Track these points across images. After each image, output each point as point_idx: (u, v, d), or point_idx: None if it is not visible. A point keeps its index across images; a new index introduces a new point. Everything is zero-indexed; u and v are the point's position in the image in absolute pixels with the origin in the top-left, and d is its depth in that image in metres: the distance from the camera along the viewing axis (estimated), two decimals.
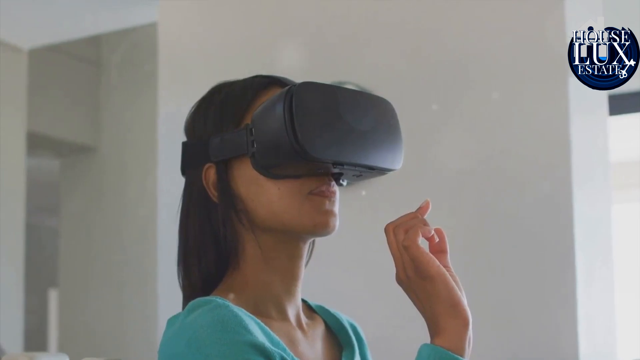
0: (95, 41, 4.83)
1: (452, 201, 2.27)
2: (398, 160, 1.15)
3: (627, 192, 4.89)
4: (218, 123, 1.15)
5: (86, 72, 4.92)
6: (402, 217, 1.08)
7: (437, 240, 1.08)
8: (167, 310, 2.57)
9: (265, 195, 1.11)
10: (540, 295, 2.14)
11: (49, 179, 5.60)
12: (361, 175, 1.15)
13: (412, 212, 1.08)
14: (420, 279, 1.03)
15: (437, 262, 1.04)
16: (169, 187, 2.63)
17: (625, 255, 4.16)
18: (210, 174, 1.15)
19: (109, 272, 4.73)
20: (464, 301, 1.03)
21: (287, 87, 1.08)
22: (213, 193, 1.15)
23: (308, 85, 1.09)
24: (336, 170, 1.11)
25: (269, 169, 1.10)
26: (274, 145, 1.07)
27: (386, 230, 1.08)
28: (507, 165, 2.22)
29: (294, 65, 2.46)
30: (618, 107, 2.92)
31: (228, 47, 2.63)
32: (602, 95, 2.46)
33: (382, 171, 1.15)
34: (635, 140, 4.60)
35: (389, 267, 2.29)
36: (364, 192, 2.29)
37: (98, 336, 4.66)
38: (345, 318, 1.28)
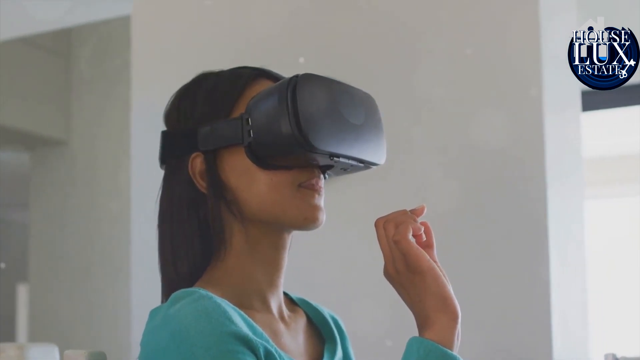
0: (65, 34, 4.79)
1: (426, 196, 2.27)
2: (383, 155, 1.18)
3: (598, 189, 4.93)
4: (207, 112, 1.14)
5: (56, 65, 4.88)
6: (392, 212, 1.09)
7: (424, 238, 1.09)
8: (140, 305, 2.55)
9: (256, 186, 1.11)
10: (514, 289, 2.15)
11: (18, 173, 5.55)
12: (347, 169, 1.17)
13: (403, 209, 1.09)
14: (410, 273, 1.04)
15: (428, 257, 1.05)
16: (143, 179, 2.61)
17: (597, 252, 4.20)
18: (196, 163, 1.14)
19: (80, 267, 4.70)
20: (453, 295, 1.05)
21: (288, 78, 1.10)
22: (200, 183, 1.14)
23: (309, 77, 1.10)
24: (330, 163, 1.12)
25: (265, 159, 1.10)
26: (274, 135, 1.08)
27: (376, 224, 1.09)
28: (481, 160, 2.22)
29: (268, 56, 2.45)
30: (591, 103, 2.94)
31: (202, 40, 2.61)
32: (576, 92, 2.47)
33: (369, 165, 1.17)
34: (607, 137, 4.64)
35: (370, 261, 2.29)
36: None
37: (69, 331, 4.62)
38: (327, 311, 1.28)
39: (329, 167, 1.15)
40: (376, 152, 1.16)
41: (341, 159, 1.11)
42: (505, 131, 2.21)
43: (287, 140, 1.07)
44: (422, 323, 1.04)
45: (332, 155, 1.09)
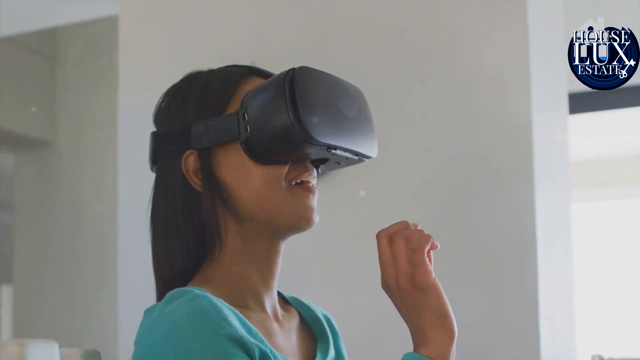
0: (50, 34, 4.76)
1: (414, 198, 2.27)
2: (375, 149, 1.18)
3: (586, 191, 4.94)
4: (200, 110, 1.14)
5: (41, 65, 4.85)
6: (393, 225, 1.08)
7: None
8: (127, 305, 2.53)
9: (252, 181, 1.11)
10: (502, 291, 2.15)
11: (3, 174, 5.51)
12: (341, 163, 1.17)
13: (404, 221, 1.09)
14: (412, 287, 1.04)
15: (433, 274, 1.05)
16: (130, 180, 2.60)
17: (584, 254, 4.21)
18: (190, 161, 1.13)
19: (65, 268, 4.67)
20: (452, 313, 1.05)
21: (284, 71, 1.10)
22: (195, 181, 1.13)
23: (305, 69, 1.10)
24: (326, 156, 1.12)
25: (262, 154, 1.10)
26: (272, 128, 1.08)
27: (379, 237, 1.08)
28: (470, 163, 2.23)
29: (256, 55, 2.44)
30: (578, 105, 2.94)
31: (190, 40, 2.60)
32: (563, 93, 2.48)
33: (362, 159, 1.17)
34: (593, 139, 4.65)
35: (359, 262, 2.27)
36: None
37: (54, 333, 4.60)
38: (320, 310, 1.28)
39: (323, 161, 1.15)
40: (369, 145, 1.16)
41: (338, 151, 1.11)
42: (495, 134, 2.21)
43: (286, 132, 1.06)
44: (419, 339, 1.04)
45: (330, 147, 1.09)
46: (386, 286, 1.07)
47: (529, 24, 2.20)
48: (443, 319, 1.04)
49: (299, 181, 1.13)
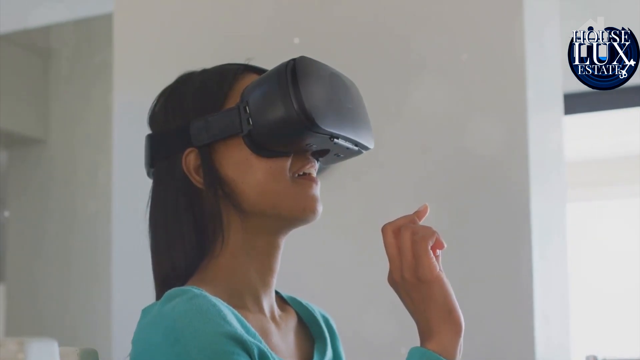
0: (44, 32, 4.75)
1: (409, 197, 2.27)
2: (372, 140, 1.18)
3: (582, 191, 4.95)
4: (198, 108, 1.13)
5: (35, 63, 4.83)
6: (399, 219, 1.08)
7: (438, 252, 1.08)
8: (121, 305, 2.52)
9: (255, 175, 1.10)
10: (497, 291, 2.15)
11: None
12: (341, 155, 1.17)
13: (409, 215, 1.09)
14: (417, 280, 1.03)
15: (438, 267, 1.05)
16: (124, 178, 2.59)
17: (580, 254, 4.22)
18: (191, 159, 1.13)
19: (58, 267, 4.66)
20: (458, 307, 1.04)
21: (284, 62, 1.09)
22: (196, 178, 1.13)
23: (305, 60, 1.10)
24: (328, 147, 1.12)
25: (265, 146, 1.10)
26: (276, 119, 1.07)
27: (384, 230, 1.08)
28: (465, 162, 2.22)
29: (252, 53, 2.43)
30: (573, 106, 2.94)
31: (185, 38, 2.59)
32: (558, 94, 2.48)
33: (362, 150, 1.17)
34: (588, 140, 4.66)
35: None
36: None
37: (47, 331, 4.58)
38: (318, 310, 1.27)
39: (323, 153, 1.15)
40: (367, 136, 1.16)
41: (340, 141, 1.11)
42: (490, 133, 2.21)
43: (291, 121, 1.06)
44: (425, 333, 1.04)
45: (333, 135, 1.09)
46: (391, 279, 1.07)
47: (525, 24, 2.20)
48: (449, 312, 1.03)
49: (301, 173, 1.13)
